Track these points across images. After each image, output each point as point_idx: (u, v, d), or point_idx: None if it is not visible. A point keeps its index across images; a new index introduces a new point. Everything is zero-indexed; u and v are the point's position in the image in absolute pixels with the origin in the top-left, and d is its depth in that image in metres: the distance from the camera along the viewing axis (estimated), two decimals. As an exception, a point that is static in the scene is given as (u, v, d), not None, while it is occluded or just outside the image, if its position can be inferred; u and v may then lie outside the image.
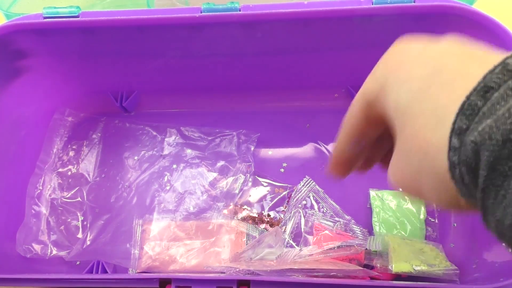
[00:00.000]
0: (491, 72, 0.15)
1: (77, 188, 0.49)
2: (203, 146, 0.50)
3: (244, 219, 0.45)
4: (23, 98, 0.48)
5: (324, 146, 0.49)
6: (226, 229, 0.44)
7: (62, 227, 0.47)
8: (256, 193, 0.47)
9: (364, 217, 0.45)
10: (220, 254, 0.43)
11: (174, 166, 0.49)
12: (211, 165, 0.49)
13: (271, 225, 0.44)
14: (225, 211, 0.46)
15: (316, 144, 0.49)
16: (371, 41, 0.44)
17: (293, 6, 0.40)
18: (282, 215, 0.45)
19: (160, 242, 0.44)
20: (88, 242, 0.45)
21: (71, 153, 0.51)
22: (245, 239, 0.44)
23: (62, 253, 0.45)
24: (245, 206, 0.46)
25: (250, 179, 0.47)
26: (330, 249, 0.39)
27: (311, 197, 0.46)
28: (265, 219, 0.45)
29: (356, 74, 0.49)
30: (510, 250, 0.15)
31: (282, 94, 0.51)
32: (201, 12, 0.40)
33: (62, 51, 0.46)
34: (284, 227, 0.44)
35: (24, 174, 0.49)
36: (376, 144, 0.25)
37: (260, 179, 0.48)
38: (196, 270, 0.42)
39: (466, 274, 0.39)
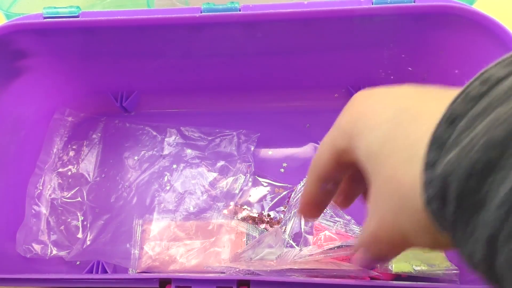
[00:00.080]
0: (454, 102, 0.15)
1: (77, 188, 0.49)
2: (203, 146, 0.50)
3: (244, 219, 0.45)
4: (23, 98, 0.48)
5: (324, 146, 0.49)
6: (226, 229, 0.44)
7: (62, 227, 0.47)
8: (256, 193, 0.47)
9: (364, 217, 0.45)
10: (220, 254, 0.43)
11: (174, 166, 0.49)
12: (211, 165, 0.49)
13: (271, 225, 0.44)
14: (225, 211, 0.46)
15: (316, 144, 0.49)
16: (371, 41, 0.44)
17: (293, 6, 0.40)
18: (282, 215, 0.45)
19: (160, 242, 0.44)
20: (88, 242, 0.45)
21: (71, 153, 0.51)
22: (245, 239, 0.44)
23: (62, 253, 0.45)
24: (245, 206, 0.46)
25: (250, 179, 0.47)
26: (330, 249, 0.39)
27: (311, 197, 0.46)
28: (265, 219, 0.45)
29: (356, 74, 0.49)
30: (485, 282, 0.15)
31: (282, 94, 0.51)
32: (201, 12, 0.40)
33: (62, 51, 0.46)
34: (284, 227, 0.44)
35: (24, 174, 0.49)
36: (353, 182, 0.25)
37: (260, 179, 0.48)
38: (196, 270, 0.42)
39: (466, 274, 0.39)
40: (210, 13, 0.40)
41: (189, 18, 0.40)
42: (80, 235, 0.46)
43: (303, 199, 0.27)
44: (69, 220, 0.47)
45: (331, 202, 0.28)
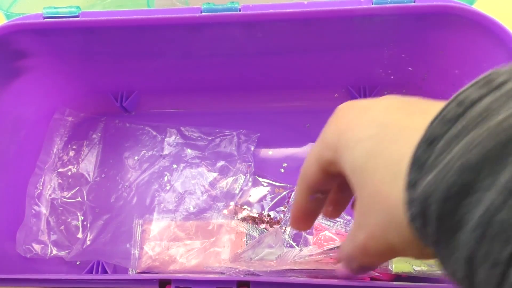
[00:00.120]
0: (433, 122, 0.16)
1: (77, 188, 0.49)
2: (203, 146, 0.50)
3: (244, 219, 0.45)
4: (23, 98, 0.48)
5: (324, 146, 0.49)
6: (226, 229, 0.44)
7: (62, 227, 0.47)
8: (256, 193, 0.47)
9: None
10: (220, 254, 0.43)
11: (174, 166, 0.49)
12: (211, 165, 0.49)
13: (271, 225, 0.44)
14: (225, 211, 0.46)
15: (316, 144, 0.49)
16: (371, 41, 0.44)
17: (293, 6, 0.40)
18: (282, 215, 0.45)
19: (160, 242, 0.44)
20: (88, 242, 0.45)
21: (71, 153, 0.51)
22: (245, 239, 0.44)
23: (62, 253, 0.45)
24: (245, 206, 0.46)
25: (250, 179, 0.47)
26: (330, 249, 0.39)
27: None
28: (265, 219, 0.45)
29: (356, 74, 0.49)
30: None
31: (282, 94, 0.51)
32: (201, 12, 0.40)
33: (62, 51, 0.46)
34: (284, 227, 0.44)
35: (24, 174, 0.49)
36: (341, 191, 0.26)
37: (260, 179, 0.48)
38: (196, 270, 0.42)
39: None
40: (210, 13, 0.40)
41: (189, 18, 0.40)
42: (80, 235, 0.46)
43: (293, 211, 0.27)
44: (69, 220, 0.47)
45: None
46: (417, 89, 0.48)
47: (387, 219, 0.18)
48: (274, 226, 0.44)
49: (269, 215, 0.45)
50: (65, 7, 0.41)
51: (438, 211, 0.15)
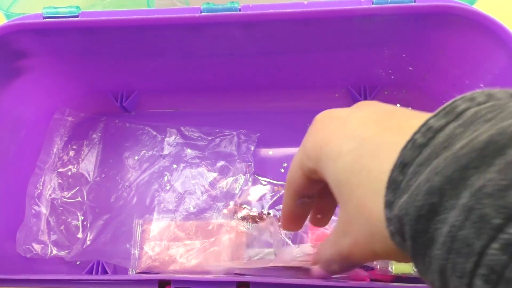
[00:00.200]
0: (404, 148, 0.17)
1: (77, 188, 0.49)
2: (203, 146, 0.50)
3: (244, 218, 0.45)
4: (23, 98, 0.48)
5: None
6: (226, 229, 0.44)
7: (62, 227, 0.47)
8: (255, 192, 0.47)
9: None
10: (220, 254, 0.43)
11: (174, 166, 0.49)
12: (211, 165, 0.49)
13: (273, 225, 0.44)
14: (225, 211, 0.46)
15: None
16: (371, 41, 0.44)
17: (293, 6, 0.39)
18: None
19: (160, 242, 0.44)
20: (88, 242, 0.45)
21: (71, 153, 0.51)
22: (245, 239, 0.44)
23: (62, 253, 0.45)
24: (245, 205, 0.46)
25: (250, 179, 0.47)
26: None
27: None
28: (265, 218, 0.45)
29: (356, 74, 0.49)
30: None
31: (282, 94, 0.51)
32: (201, 12, 0.40)
33: (62, 51, 0.46)
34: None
35: (24, 174, 0.49)
36: (325, 197, 0.27)
37: (259, 178, 0.48)
38: (196, 271, 0.42)
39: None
40: (210, 13, 0.40)
41: (189, 18, 0.40)
42: (80, 235, 0.46)
43: (283, 214, 0.29)
44: (69, 220, 0.47)
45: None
46: (417, 89, 0.48)
47: (372, 230, 0.19)
48: (277, 228, 0.44)
49: (269, 213, 0.45)
50: (65, 7, 0.41)
51: (412, 230, 0.16)
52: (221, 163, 0.49)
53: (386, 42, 0.44)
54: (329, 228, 0.43)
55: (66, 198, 0.48)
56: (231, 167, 0.48)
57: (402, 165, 0.17)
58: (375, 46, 0.45)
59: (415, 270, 0.37)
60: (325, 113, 0.25)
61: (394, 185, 0.17)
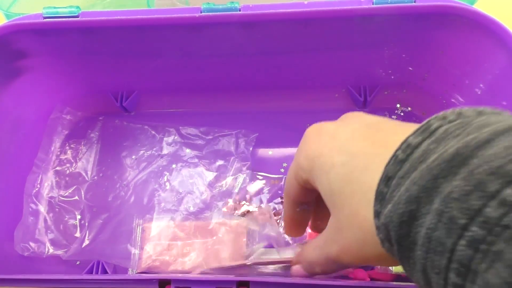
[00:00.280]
0: (388, 164, 0.19)
1: (74, 187, 0.49)
2: (202, 146, 0.50)
3: (243, 215, 0.45)
4: (23, 98, 0.48)
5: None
6: (226, 228, 0.44)
7: (59, 226, 0.47)
8: (252, 187, 0.47)
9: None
10: (220, 254, 0.43)
11: (174, 165, 0.49)
12: (209, 165, 0.49)
13: (271, 217, 0.44)
14: (224, 209, 0.46)
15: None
16: (371, 41, 0.44)
17: (293, 6, 0.39)
18: (281, 206, 0.46)
19: (160, 242, 0.44)
20: (87, 241, 0.45)
21: (69, 152, 0.51)
22: (245, 239, 0.44)
23: (59, 252, 0.45)
24: (244, 202, 0.46)
25: (248, 179, 0.47)
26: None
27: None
28: (265, 212, 0.45)
29: (356, 74, 0.49)
30: None
31: (282, 94, 0.51)
32: (201, 12, 0.40)
33: (62, 51, 0.46)
34: (279, 219, 0.44)
35: (24, 174, 0.49)
36: (322, 206, 0.28)
37: (255, 173, 0.48)
38: (196, 270, 0.42)
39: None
40: (210, 13, 0.40)
41: (189, 18, 0.40)
42: (78, 234, 0.46)
43: (285, 222, 0.31)
44: (66, 218, 0.47)
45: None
46: (417, 89, 0.48)
47: (364, 237, 0.21)
48: (273, 217, 0.44)
49: (268, 207, 0.45)
50: (65, 7, 0.41)
51: (396, 235, 0.18)
52: (219, 162, 0.49)
53: (386, 42, 0.44)
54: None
55: (63, 197, 0.48)
56: (229, 167, 0.48)
57: (386, 179, 0.19)
58: (375, 46, 0.45)
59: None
60: (314, 127, 0.27)
61: (380, 196, 0.19)
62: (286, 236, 0.44)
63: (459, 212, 0.15)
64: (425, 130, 0.18)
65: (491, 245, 0.14)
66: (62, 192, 0.49)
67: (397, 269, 0.38)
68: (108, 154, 0.51)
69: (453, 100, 0.46)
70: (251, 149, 0.49)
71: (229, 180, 0.47)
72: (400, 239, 0.18)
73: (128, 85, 0.52)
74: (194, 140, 0.50)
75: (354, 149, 0.22)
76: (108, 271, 0.43)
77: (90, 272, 0.43)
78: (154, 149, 0.50)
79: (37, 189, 0.49)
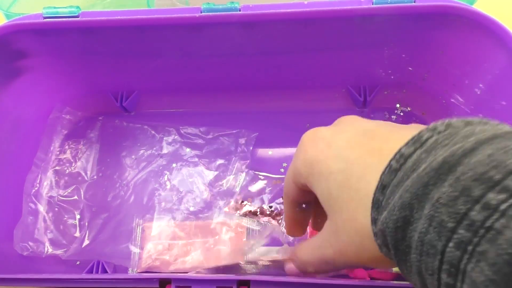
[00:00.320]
0: (383, 173, 0.20)
1: (74, 186, 0.49)
2: (202, 145, 0.50)
3: (245, 215, 0.45)
4: (23, 98, 0.48)
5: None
6: (227, 228, 0.44)
7: (59, 226, 0.47)
8: (254, 188, 0.47)
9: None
10: (220, 253, 0.43)
11: (174, 165, 0.49)
12: (210, 164, 0.49)
13: (273, 217, 0.44)
14: (226, 209, 0.46)
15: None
16: (371, 41, 0.44)
17: (293, 6, 0.40)
18: (283, 206, 0.46)
19: (161, 241, 0.44)
20: (86, 241, 0.45)
21: (69, 152, 0.51)
22: (245, 238, 0.44)
23: (59, 252, 0.45)
24: (245, 202, 0.46)
25: (248, 178, 0.47)
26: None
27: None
28: (267, 212, 0.45)
29: (356, 74, 0.49)
30: None
31: (282, 94, 0.51)
32: (201, 12, 0.40)
33: (62, 51, 0.46)
34: (281, 219, 0.44)
35: (23, 173, 0.49)
36: (321, 205, 0.29)
37: (257, 173, 0.48)
38: (196, 270, 0.42)
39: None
40: (210, 13, 0.40)
41: (189, 18, 0.40)
42: (77, 234, 0.46)
43: (286, 222, 0.32)
44: (65, 218, 0.47)
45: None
46: (417, 89, 0.48)
47: (361, 241, 0.22)
48: (276, 218, 0.44)
49: (270, 207, 0.45)
50: (65, 7, 0.41)
51: (393, 240, 0.19)
52: (220, 161, 0.49)
53: (386, 42, 0.44)
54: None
55: (63, 197, 0.48)
56: (230, 166, 0.48)
57: (382, 187, 0.20)
58: (375, 46, 0.45)
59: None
60: (311, 133, 0.28)
61: (377, 204, 0.20)
62: (289, 236, 0.44)
63: (447, 216, 0.16)
64: (417, 141, 0.19)
65: (476, 246, 0.15)
66: (61, 192, 0.49)
67: (397, 268, 0.38)
68: (108, 154, 0.51)
69: (452, 100, 0.46)
70: (251, 148, 0.49)
71: (229, 179, 0.48)
72: (396, 244, 0.19)
73: (128, 85, 0.52)
74: (194, 140, 0.50)
75: (350, 156, 0.23)
76: (108, 271, 0.43)
77: (90, 272, 0.43)
78: (154, 148, 0.50)
79: (36, 188, 0.49)
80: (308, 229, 0.43)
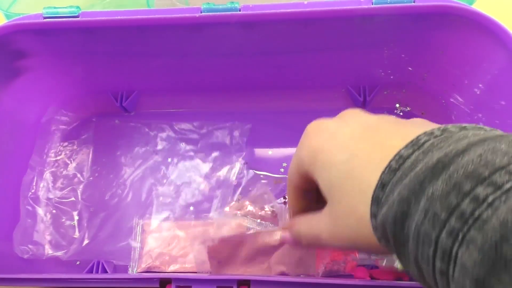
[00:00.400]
0: (383, 172, 0.22)
1: (70, 187, 0.49)
2: (197, 140, 0.50)
3: (246, 215, 0.45)
4: (23, 98, 0.48)
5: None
6: (227, 228, 0.44)
7: (57, 227, 0.47)
8: (256, 188, 0.47)
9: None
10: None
11: (170, 159, 0.49)
12: (205, 157, 0.49)
13: (275, 217, 0.44)
14: (227, 209, 0.46)
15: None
16: (371, 41, 0.44)
17: (293, 6, 0.40)
18: (284, 206, 0.46)
19: (160, 241, 0.44)
20: (86, 241, 0.45)
21: (63, 153, 0.51)
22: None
23: (59, 253, 0.45)
24: (247, 202, 0.46)
25: (244, 169, 0.48)
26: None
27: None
28: (268, 212, 0.45)
29: (356, 74, 0.49)
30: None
31: (282, 94, 0.51)
32: (201, 12, 0.40)
33: (62, 51, 0.46)
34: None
35: (23, 174, 0.49)
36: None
37: (258, 173, 0.48)
38: (196, 270, 0.42)
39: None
40: (210, 13, 0.40)
41: (189, 18, 0.40)
42: (76, 235, 0.46)
43: (290, 210, 0.33)
44: (63, 219, 0.47)
45: None
46: (417, 89, 0.48)
47: (359, 230, 0.24)
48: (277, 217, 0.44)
49: (272, 207, 0.45)
50: (65, 7, 0.41)
51: (392, 231, 0.21)
52: (215, 154, 0.49)
53: (386, 42, 0.44)
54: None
55: (59, 198, 0.48)
56: (225, 158, 0.49)
57: (382, 185, 0.22)
58: (375, 46, 0.45)
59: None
60: (315, 124, 0.29)
61: (377, 201, 0.22)
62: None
63: (440, 209, 0.18)
64: (415, 144, 0.21)
65: (466, 233, 0.17)
66: (58, 194, 0.49)
67: (401, 266, 0.38)
68: (103, 154, 0.51)
69: (452, 100, 0.46)
70: (245, 139, 0.49)
71: (225, 170, 0.48)
72: (395, 236, 0.21)
73: (128, 85, 0.52)
74: (189, 135, 0.51)
75: (354, 149, 0.24)
76: (108, 271, 0.43)
77: (90, 272, 0.43)
78: (149, 145, 0.50)
79: (33, 190, 0.49)
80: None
